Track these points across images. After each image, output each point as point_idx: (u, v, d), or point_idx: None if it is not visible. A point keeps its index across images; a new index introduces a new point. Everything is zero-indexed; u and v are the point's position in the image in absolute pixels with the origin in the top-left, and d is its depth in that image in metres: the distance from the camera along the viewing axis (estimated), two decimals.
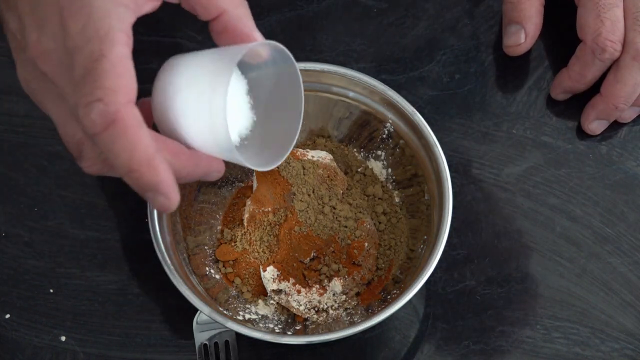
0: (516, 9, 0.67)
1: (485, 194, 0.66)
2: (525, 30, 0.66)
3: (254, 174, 0.61)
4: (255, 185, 0.61)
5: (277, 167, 0.60)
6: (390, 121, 0.61)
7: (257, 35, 0.47)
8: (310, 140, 0.64)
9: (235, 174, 0.63)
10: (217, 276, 0.60)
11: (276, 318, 0.59)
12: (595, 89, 0.66)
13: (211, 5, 0.45)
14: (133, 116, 0.40)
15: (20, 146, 0.67)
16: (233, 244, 0.60)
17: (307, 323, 0.59)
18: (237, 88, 0.50)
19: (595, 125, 0.66)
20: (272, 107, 0.52)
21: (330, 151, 0.63)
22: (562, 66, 0.67)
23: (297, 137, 0.51)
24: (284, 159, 0.52)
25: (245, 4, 0.47)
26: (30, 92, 0.45)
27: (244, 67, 0.50)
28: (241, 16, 0.46)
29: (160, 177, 0.40)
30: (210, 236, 0.62)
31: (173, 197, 0.42)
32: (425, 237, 0.59)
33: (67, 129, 0.43)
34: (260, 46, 0.47)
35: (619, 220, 0.65)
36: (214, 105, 0.43)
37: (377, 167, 0.64)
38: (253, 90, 0.51)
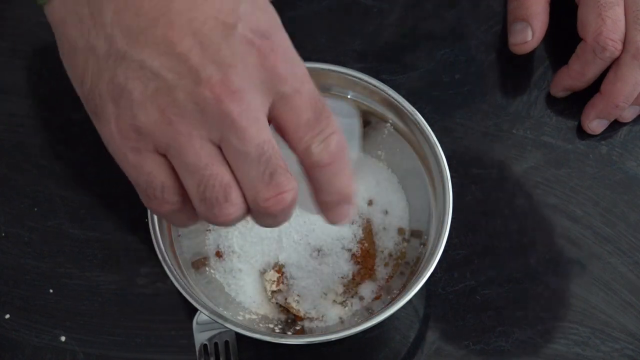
0: (522, 6, 0.66)
1: (485, 194, 0.66)
2: (532, 28, 0.66)
3: None
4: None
5: None
6: (390, 121, 0.61)
7: None
8: None
9: None
10: (218, 276, 0.60)
11: (276, 318, 0.59)
12: (595, 87, 0.66)
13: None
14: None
15: (20, 146, 0.67)
16: None
17: (307, 323, 0.59)
18: None
19: (595, 124, 0.66)
20: None
21: None
22: (563, 66, 0.67)
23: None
24: None
25: None
26: (162, 135, 0.41)
27: None
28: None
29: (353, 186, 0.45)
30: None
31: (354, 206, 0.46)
32: (425, 237, 0.59)
33: (214, 170, 0.42)
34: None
35: (619, 220, 0.65)
36: None
37: None
38: None
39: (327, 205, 0.45)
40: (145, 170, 0.43)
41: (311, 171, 0.44)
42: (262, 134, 0.41)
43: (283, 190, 0.42)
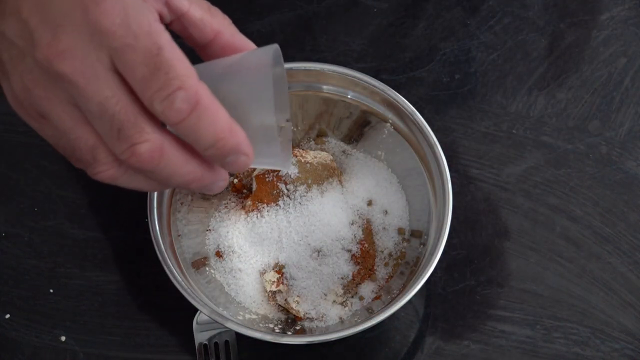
0: None
1: (485, 194, 0.66)
2: None
3: (253, 176, 0.61)
4: (254, 186, 0.61)
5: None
6: (390, 121, 0.61)
7: (252, 44, 0.47)
8: (311, 140, 0.64)
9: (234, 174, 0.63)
10: (218, 276, 0.60)
11: (276, 318, 0.59)
12: (595, 87, 0.66)
13: (207, 26, 0.45)
14: (207, 92, 0.41)
15: (20, 146, 0.67)
16: None
17: (307, 323, 0.59)
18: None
19: None
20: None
21: (330, 151, 0.64)
22: (563, 66, 0.67)
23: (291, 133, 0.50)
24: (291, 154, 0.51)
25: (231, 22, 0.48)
26: (32, 102, 0.43)
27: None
28: (235, 32, 0.46)
29: (241, 137, 0.42)
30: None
31: (251, 153, 0.43)
32: (425, 237, 0.59)
33: (79, 133, 0.43)
34: (268, 50, 0.46)
35: (619, 220, 0.65)
36: (264, 124, 0.44)
37: None
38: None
39: (212, 159, 0.42)
40: (48, 134, 0.44)
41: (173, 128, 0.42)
42: (103, 91, 0.41)
43: (134, 142, 0.41)
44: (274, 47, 0.45)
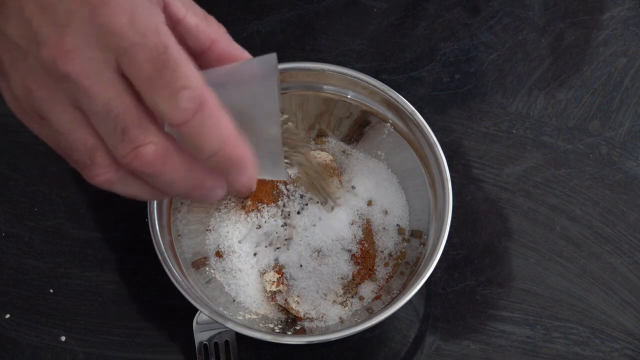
0: None
1: (485, 194, 0.66)
2: None
3: None
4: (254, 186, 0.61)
5: None
6: (390, 121, 0.61)
7: (248, 54, 0.47)
8: (311, 140, 0.64)
9: None
10: (218, 276, 0.60)
11: (276, 318, 0.59)
12: (596, 87, 0.66)
13: (202, 34, 0.45)
14: (213, 96, 0.40)
15: (21, 147, 0.67)
16: None
17: (307, 323, 0.59)
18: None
19: None
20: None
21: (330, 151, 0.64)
22: (563, 66, 0.67)
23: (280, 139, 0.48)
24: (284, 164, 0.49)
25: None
26: (32, 103, 0.43)
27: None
28: (230, 41, 0.46)
29: (247, 151, 0.41)
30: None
31: (254, 174, 0.41)
32: (425, 237, 0.59)
33: (79, 134, 0.42)
34: (270, 59, 0.45)
35: (619, 220, 0.65)
36: (268, 137, 0.43)
37: None
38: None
39: (213, 170, 0.41)
40: (46, 135, 0.44)
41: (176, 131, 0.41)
42: (108, 92, 0.40)
43: (139, 144, 0.41)
44: (275, 56, 0.44)
